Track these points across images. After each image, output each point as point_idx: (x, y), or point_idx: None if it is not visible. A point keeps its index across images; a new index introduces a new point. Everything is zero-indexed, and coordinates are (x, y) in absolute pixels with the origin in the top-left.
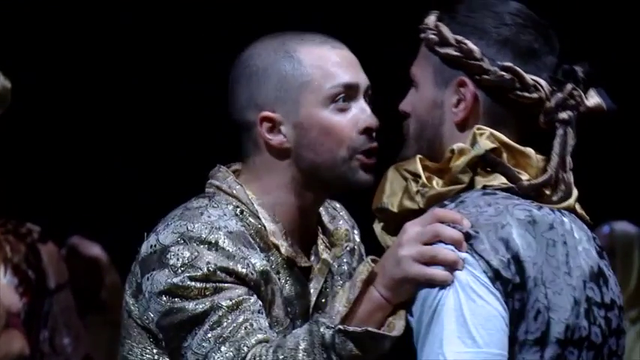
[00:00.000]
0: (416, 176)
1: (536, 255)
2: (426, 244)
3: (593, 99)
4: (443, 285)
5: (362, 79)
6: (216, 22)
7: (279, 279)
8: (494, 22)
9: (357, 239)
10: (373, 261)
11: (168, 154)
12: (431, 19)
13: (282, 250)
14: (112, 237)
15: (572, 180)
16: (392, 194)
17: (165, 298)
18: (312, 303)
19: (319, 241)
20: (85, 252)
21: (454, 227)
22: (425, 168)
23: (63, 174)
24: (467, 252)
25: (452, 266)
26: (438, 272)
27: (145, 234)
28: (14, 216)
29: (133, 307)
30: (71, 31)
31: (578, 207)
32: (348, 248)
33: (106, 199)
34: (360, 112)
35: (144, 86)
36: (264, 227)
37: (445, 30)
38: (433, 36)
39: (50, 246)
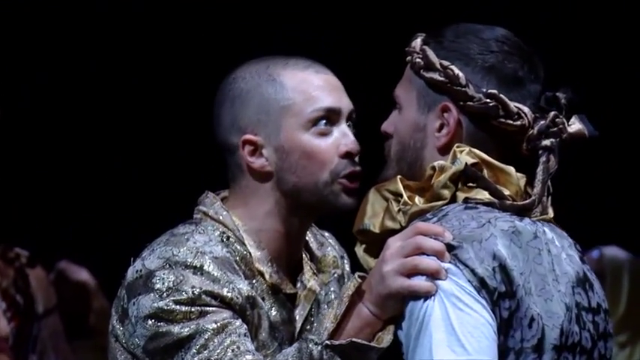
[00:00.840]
0: (397, 196)
1: (524, 265)
2: (408, 257)
3: (575, 125)
4: (428, 296)
5: (344, 104)
6: (215, 33)
7: (265, 305)
8: (480, 48)
9: (347, 269)
10: (361, 277)
11: (157, 178)
12: (417, 43)
13: (267, 277)
14: (100, 262)
15: (549, 203)
16: (373, 215)
17: (150, 322)
18: (298, 330)
19: (306, 268)
20: (72, 277)
21: (436, 239)
22: (406, 187)
23: (51, 198)
24: (450, 262)
25: (434, 276)
26: (421, 283)
27: (132, 259)
28: (2, 240)
29: (119, 332)
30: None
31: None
32: (335, 275)
33: (94, 224)
34: (342, 137)
35: (131, 114)
36: (250, 254)
37: (431, 54)
38: (419, 60)
39: (38, 270)
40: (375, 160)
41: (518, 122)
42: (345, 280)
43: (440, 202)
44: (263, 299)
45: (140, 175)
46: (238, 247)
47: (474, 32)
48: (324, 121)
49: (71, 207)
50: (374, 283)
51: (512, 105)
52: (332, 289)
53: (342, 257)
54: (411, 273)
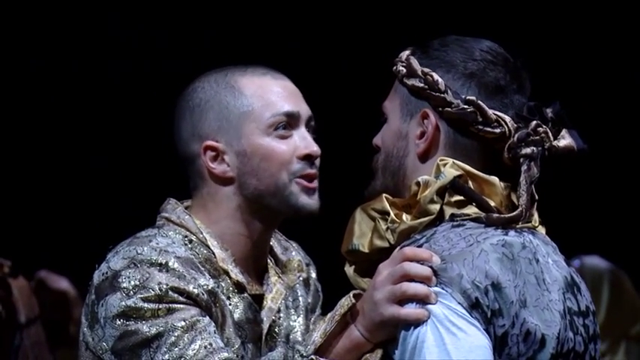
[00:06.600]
0: (384, 214)
1: (517, 277)
2: (397, 284)
3: (564, 140)
4: (419, 322)
5: (303, 109)
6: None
7: (229, 303)
8: (462, 56)
9: (314, 276)
10: (356, 296)
11: (136, 186)
12: (405, 53)
13: (232, 275)
14: (80, 270)
15: (534, 211)
16: (361, 235)
17: (119, 322)
18: (265, 331)
19: (272, 272)
20: (53, 286)
21: (423, 264)
22: (392, 204)
23: (31, 207)
24: (438, 285)
25: (424, 301)
26: (412, 311)
27: (97, 264)
28: None
29: (89, 339)
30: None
31: (539, 226)
32: (301, 278)
33: (74, 233)
34: (301, 140)
35: (117, 119)
36: (214, 254)
37: (414, 62)
38: (402, 68)
39: (21, 280)
40: (361, 174)
41: (498, 130)
42: (312, 286)
43: (427, 218)
44: (228, 298)
45: (121, 186)
46: (202, 249)
47: (460, 42)
48: (283, 125)
49: (51, 216)
50: (367, 309)
51: (491, 112)
52: (299, 293)
53: (307, 264)
54: (402, 300)
